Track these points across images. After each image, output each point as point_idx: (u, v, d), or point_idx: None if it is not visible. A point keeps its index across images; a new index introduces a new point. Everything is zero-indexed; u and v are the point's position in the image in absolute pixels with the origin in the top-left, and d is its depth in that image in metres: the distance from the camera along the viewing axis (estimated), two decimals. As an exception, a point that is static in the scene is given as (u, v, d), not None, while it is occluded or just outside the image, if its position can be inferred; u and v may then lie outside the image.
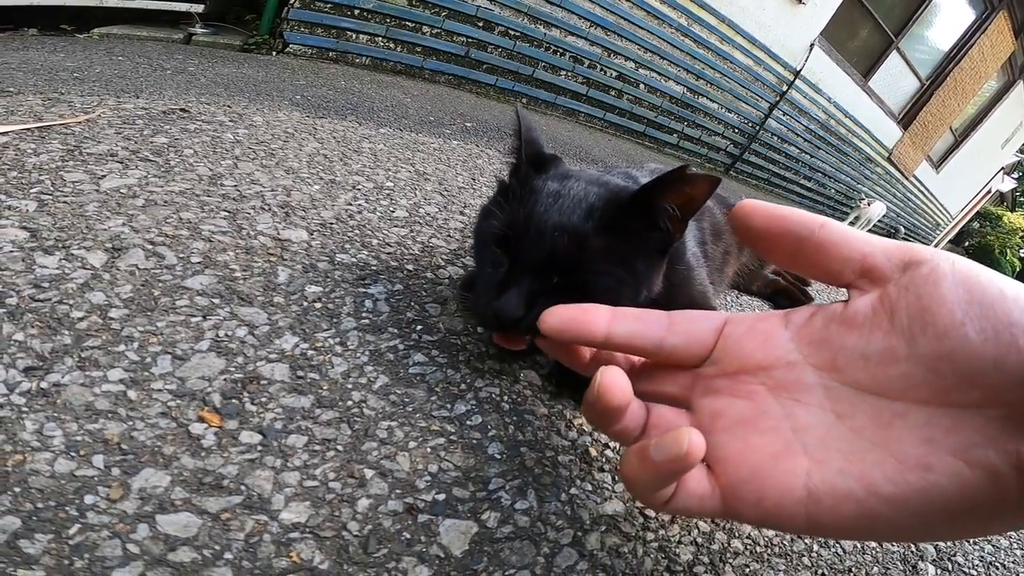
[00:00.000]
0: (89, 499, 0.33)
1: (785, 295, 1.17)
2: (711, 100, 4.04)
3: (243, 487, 0.37)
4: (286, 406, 0.44)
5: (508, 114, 2.50)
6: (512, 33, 3.09)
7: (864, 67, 5.12)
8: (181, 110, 1.03)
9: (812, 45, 4.34)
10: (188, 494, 0.36)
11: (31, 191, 0.60)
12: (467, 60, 3.01)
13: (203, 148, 0.85)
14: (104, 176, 0.67)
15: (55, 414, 0.37)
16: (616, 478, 0.50)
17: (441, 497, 0.41)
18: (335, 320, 0.54)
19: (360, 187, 0.88)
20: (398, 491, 0.41)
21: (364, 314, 0.57)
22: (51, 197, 0.60)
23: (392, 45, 2.80)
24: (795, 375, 0.26)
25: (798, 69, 4.40)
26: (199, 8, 2.69)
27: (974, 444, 0.22)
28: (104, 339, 0.44)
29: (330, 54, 2.67)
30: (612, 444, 0.53)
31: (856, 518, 0.23)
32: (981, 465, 0.22)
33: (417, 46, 2.87)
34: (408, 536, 0.38)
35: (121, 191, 0.65)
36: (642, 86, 3.63)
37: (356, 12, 2.71)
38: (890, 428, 0.23)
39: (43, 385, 0.39)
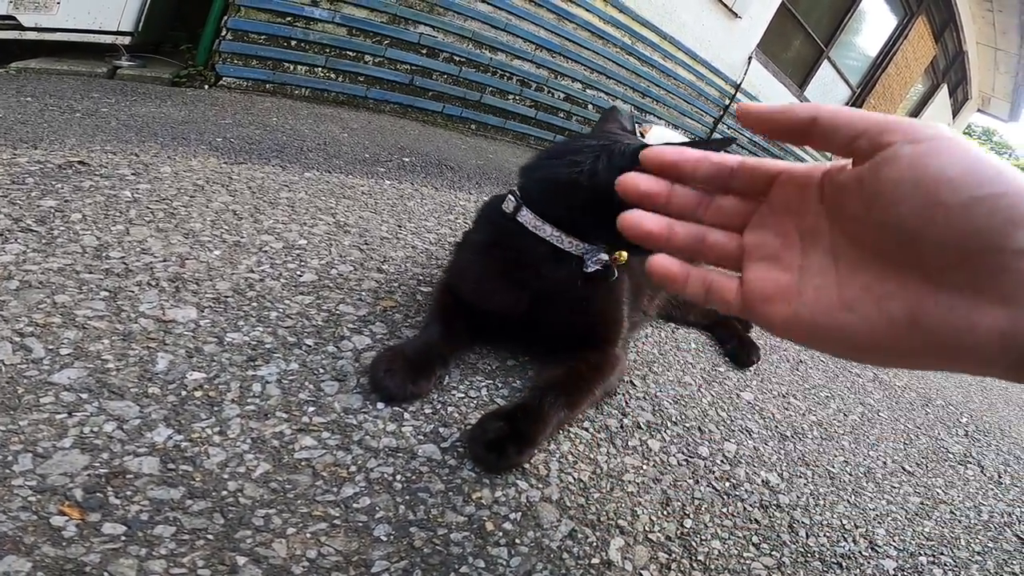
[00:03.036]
0: None
1: (724, 325, 1.21)
2: (658, 117, 4.19)
3: (106, 574, 0.39)
4: (153, 498, 0.45)
5: (452, 143, 2.54)
6: (457, 59, 3.15)
7: (799, 77, 5.44)
8: (80, 163, 1.02)
9: (750, 58, 4.58)
10: None
11: None
12: (412, 88, 3.05)
13: (94, 211, 0.84)
14: (-30, 256, 0.66)
15: None
16: (512, 551, 0.51)
17: None
18: (216, 408, 0.55)
19: (267, 248, 0.88)
20: None
21: (250, 399, 0.57)
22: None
23: (333, 75, 2.82)
24: (816, 222, 0.35)
25: (738, 82, 4.63)
26: (125, 40, 2.65)
27: (889, 296, 0.30)
28: (-50, 450, 0.43)
29: (267, 86, 2.66)
30: (512, 516, 0.55)
31: (808, 338, 0.34)
32: (887, 314, 0.30)
33: (359, 75, 2.90)
34: None
35: (-7, 273, 0.64)
36: (590, 106, 3.73)
37: (293, 43, 2.72)
38: (853, 273, 0.32)
39: None
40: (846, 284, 0.33)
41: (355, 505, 0.50)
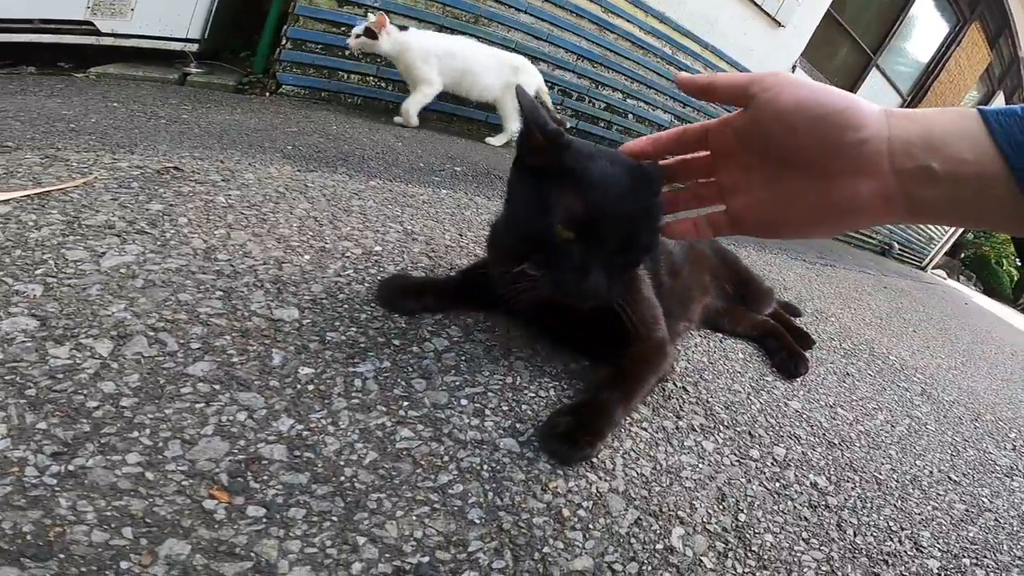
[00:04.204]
0: (124, 565, 0.40)
1: (773, 336, 1.23)
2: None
3: (253, 554, 0.44)
4: (285, 483, 0.50)
5: (498, 153, 2.60)
6: (501, 68, 3.21)
7: (846, 85, 5.32)
8: (175, 168, 1.10)
9: (794, 66, 4.52)
10: (207, 560, 0.42)
11: (36, 273, 0.66)
12: (457, 97, 3.12)
13: (196, 215, 0.91)
14: (103, 253, 0.74)
15: (84, 493, 0.43)
16: (587, 535, 0.56)
17: (425, 560, 0.48)
18: (327, 401, 0.60)
19: (349, 254, 0.94)
20: (387, 555, 0.47)
21: (354, 393, 0.63)
22: (55, 280, 0.66)
23: (383, 84, 2.91)
24: (744, 156, 0.51)
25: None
26: (193, 47, 2.80)
27: (802, 191, 0.46)
28: (119, 427, 0.49)
29: (322, 94, 2.77)
30: (584, 505, 0.60)
31: (774, 233, 0.51)
32: (805, 202, 0.46)
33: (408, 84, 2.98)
34: None
35: (121, 270, 0.71)
36: (630, 116, 3.75)
37: (347, 52, 2.82)
38: (776, 181, 0.48)
39: (70, 468, 0.45)
40: (775, 190, 0.48)
41: (450, 491, 0.55)
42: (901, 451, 1.00)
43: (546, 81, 3.36)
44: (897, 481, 0.89)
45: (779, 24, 4.16)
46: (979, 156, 0.38)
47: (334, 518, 0.48)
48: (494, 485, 0.57)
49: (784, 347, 1.20)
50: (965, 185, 0.38)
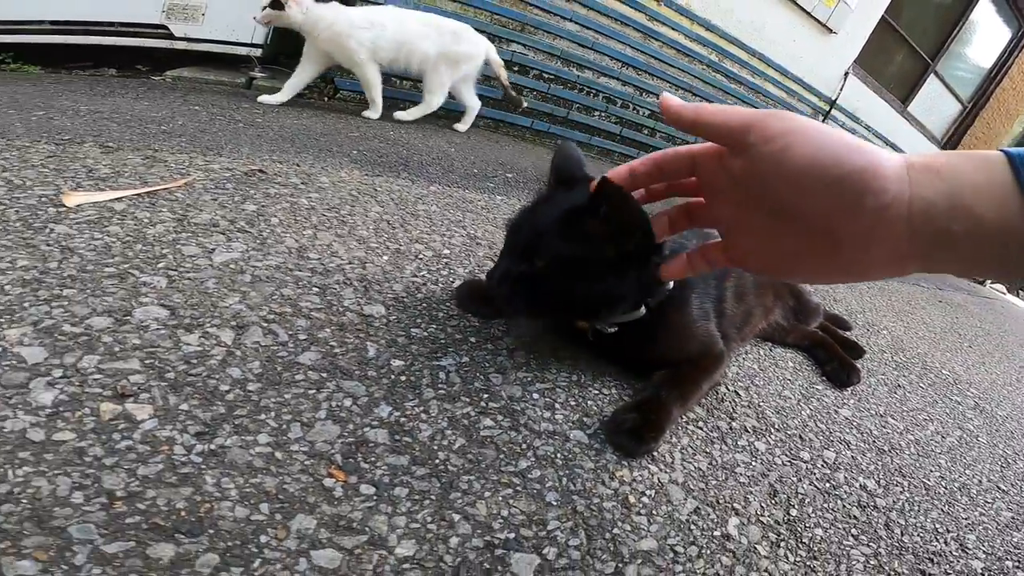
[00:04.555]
0: (263, 538, 0.45)
1: (823, 347, 1.24)
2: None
3: (367, 528, 0.49)
4: (390, 464, 0.56)
5: (544, 160, 2.64)
6: (546, 76, 3.26)
7: (902, 92, 5.16)
8: (259, 171, 1.18)
9: (847, 73, 4.42)
10: (330, 534, 0.47)
11: (159, 266, 0.74)
12: (504, 104, 3.18)
13: (285, 216, 0.99)
14: (213, 250, 0.81)
15: (226, 471, 0.49)
16: (650, 520, 0.61)
17: (511, 536, 0.53)
18: (417, 391, 0.66)
19: (421, 256, 1.01)
20: (479, 531, 0.52)
21: (440, 385, 0.68)
22: (176, 273, 0.74)
23: (432, 89, 2.99)
24: (740, 196, 0.44)
25: (834, 99, 4.47)
26: (257, 52, 2.94)
27: (811, 250, 0.42)
28: (249, 409, 0.56)
29: (376, 99, 2.87)
30: (648, 493, 0.64)
31: (776, 273, 0.46)
32: (817, 257, 0.42)
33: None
34: (488, 566, 0.50)
35: (230, 266, 0.78)
36: (675, 124, 3.75)
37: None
38: (780, 234, 0.43)
39: (211, 447, 0.51)
40: (775, 243, 0.43)
41: (529, 476, 0.60)
42: (951, 460, 1.01)
43: (591, 89, 3.40)
44: (945, 488, 0.91)
45: (830, 31, 4.08)
46: (1004, 213, 0.34)
47: (432, 497, 0.54)
48: (567, 472, 0.62)
49: (835, 357, 1.21)
50: (987, 245, 0.35)
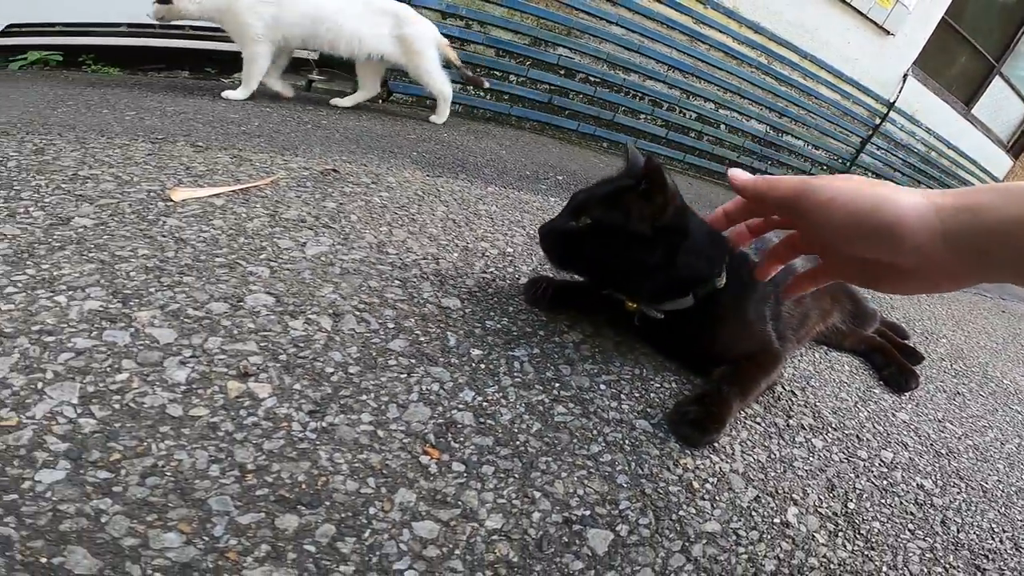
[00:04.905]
0: (372, 510, 0.50)
1: (881, 352, 1.24)
2: (796, 137, 4.04)
3: (460, 503, 0.53)
4: (477, 444, 0.60)
5: (591, 162, 2.67)
6: (592, 79, 3.28)
7: (965, 94, 4.95)
8: (333, 171, 1.26)
9: (905, 76, 4.27)
10: (428, 507, 0.52)
11: (260, 257, 0.81)
12: (550, 106, 3.23)
13: (362, 214, 1.05)
14: (305, 243, 0.88)
15: (336, 447, 0.54)
16: (713, 505, 0.64)
17: (587, 513, 0.57)
18: (496, 378, 0.70)
19: (488, 254, 1.05)
20: (558, 508, 0.56)
21: (515, 374, 0.72)
22: (276, 264, 0.80)
23: (481, 93, 3.06)
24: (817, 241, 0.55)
25: (892, 101, 4.32)
26: (315, 55, 3.07)
27: (877, 278, 0.50)
28: (351, 390, 0.61)
29: (427, 102, 2.95)
30: (710, 480, 0.67)
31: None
32: (881, 284, 0.51)
33: (505, 94, 3.12)
34: (567, 540, 0.54)
35: (321, 259, 0.85)
36: (723, 126, 3.71)
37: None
38: (856, 267, 0.51)
39: (323, 424, 0.56)
40: (855, 270, 0.52)
41: (601, 459, 0.64)
42: (1009, 466, 1.00)
43: (636, 92, 3.40)
44: (1003, 491, 0.90)
45: (887, 32, 3.96)
46: None
47: (515, 475, 0.58)
48: (635, 457, 0.66)
49: (893, 362, 1.20)
50: None
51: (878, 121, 4.35)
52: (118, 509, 0.44)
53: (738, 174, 0.55)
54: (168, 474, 0.47)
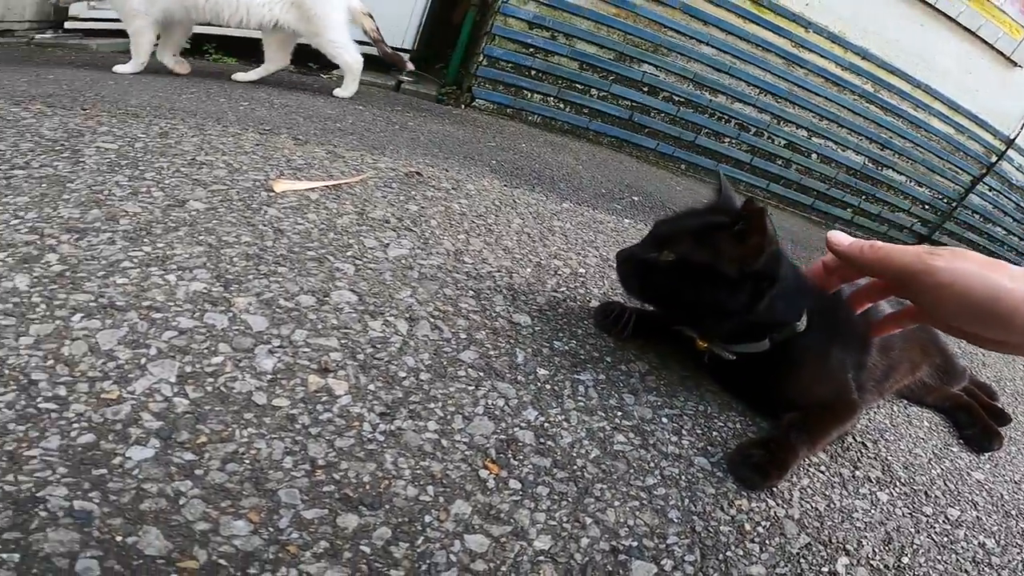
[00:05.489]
0: (428, 518, 0.51)
1: (966, 410, 1.16)
2: (898, 172, 3.78)
3: (512, 520, 0.54)
4: (534, 464, 0.61)
5: (669, 184, 2.62)
6: (676, 99, 3.23)
7: None
8: (417, 173, 1.32)
9: (1033, 113, 3.89)
10: (481, 521, 0.53)
11: (347, 254, 0.86)
12: (630, 123, 3.20)
13: (442, 219, 1.09)
14: (388, 245, 0.92)
15: (400, 452, 0.57)
16: (762, 548, 0.63)
17: (635, 544, 0.57)
18: (559, 400, 0.71)
19: (560, 272, 1.06)
20: (607, 536, 0.57)
21: (579, 398, 0.73)
22: (361, 262, 0.85)
23: (562, 105, 3.08)
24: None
25: (1012, 137, 3.96)
26: (405, 57, 3.21)
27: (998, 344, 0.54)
28: (420, 397, 0.64)
29: (508, 110, 3.02)
30: (763, 524, 0.66)
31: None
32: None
33: (584, 107, 3.13)
34: (611, 569, 0.54)
35: (402, 261, 0.89)
36: (814, 155, 3.53)
37: (532, 72, 3.04)
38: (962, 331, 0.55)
39: (391, 428, 0.59)
40: (961, 327, 0.54)
41: (655, 492, 0.64)
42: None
43: (723, 114, 3.31)
44: None
45: (1015, 64, 3.63)
46: None
47: (569, 499, 0.58)
48: (689, 494, 0.66)
49: (977, 422, 1.14)
50: None
51: (994, 159, 3.99)
52: (196, 492, 0.46)
53: (840, 238, 0.57)
54: (247, 462, 0.50)
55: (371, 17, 2.29)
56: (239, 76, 2.23)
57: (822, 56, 3.33)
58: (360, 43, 2.64)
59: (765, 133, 3.41)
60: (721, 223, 0.75)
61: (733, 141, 3.38)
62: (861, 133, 3.57)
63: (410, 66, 2.56)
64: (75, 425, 0.49)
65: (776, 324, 0.78)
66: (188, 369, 0.58)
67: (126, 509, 0.44)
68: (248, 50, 2.93)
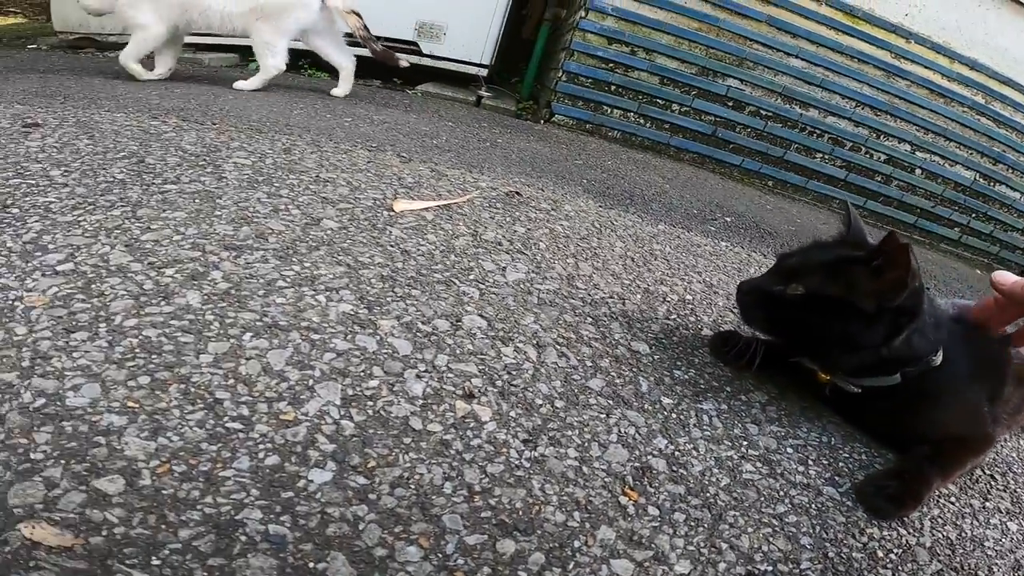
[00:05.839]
0: (576, 543, 0.54)
1: None
2: (1012, 188, 3.51)
3: (653, 545, 0.56)
4: (669, 491, 0.63)
5: (758, 203, 2.56)
6: (763, 113, 3.15)
7: None
8: (517, 193, 1.37)
9: None
10: (624, 546, 0.55)
11: (470, 277, 0.91)
12: (714, 139, 3.15)
13: (548, 242, 1.13)
14: (505, 268, 0.97)
15: (546, 478, 0.59)
16: (895, 574, 0.63)
17: (769, 569, 0.58)
18: (686, 429, 0.72)
19: (668, 299, 1.07)
20: (742, 561, 0.58)
21: (705, 427, 0.74)
22: (483, 286, 0.90)
23: (642, 121, 3.08)
24: None
25: None
26: (484, 72, 3.33)
27: None
28: (557, 425, 0.66)
29: (587, 126, 3.05)
30: (894, 551, 0.66)
31: None
32: None
33: (665, 123, 3.11)
34: None
35: (520, 286, 0.93)
36: (918, 171, 3.33)
37: (612, 88, 3.06)
38: None
39: (535, 454, 0.62)
40: None
41: (787, 519, 0.65)
42: None
43: (815, 129, 3.19)
44: None
45: None
46: None
47: (704, 525, 0.60)
48: (820, 521, 0.66)
49: None
50: None
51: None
52: (372, 517, 0.49)
53: (1004, 277, 0.56)
54: (412, 487, 0.53)
55: (357, 15, 2.30)
56: (240, 85, 2.23)
57: (926, 67, 3.16)
58: (452, 60, 2.77)
59: (863, 148, 3.25)
60: (856, 257, 0.75)
61: (826, 156, 3.25)
62: (971, 147, 3.35)
63: (403, 63, 2.52)
64: (261, 446, 0.53)
65: (911, 360, 0.76)
66: (350, 392, 0.62)
67: (314, 534, 0.46)
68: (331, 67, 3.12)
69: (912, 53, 3.13)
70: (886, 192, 3.36)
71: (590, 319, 0.90)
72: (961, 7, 3.12)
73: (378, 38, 2.53)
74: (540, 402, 0.69)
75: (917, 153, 3.32)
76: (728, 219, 1.92)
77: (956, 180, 3.41)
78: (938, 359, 0.77)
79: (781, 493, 0.68)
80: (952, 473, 0.79)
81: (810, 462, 0.76)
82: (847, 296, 0.73)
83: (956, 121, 3.26)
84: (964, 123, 3.28)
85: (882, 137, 3.25)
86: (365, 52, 2.44)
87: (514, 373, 0.73)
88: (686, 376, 0.83)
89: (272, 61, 2.21)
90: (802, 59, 3.10)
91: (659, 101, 3.11)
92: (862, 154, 3.27)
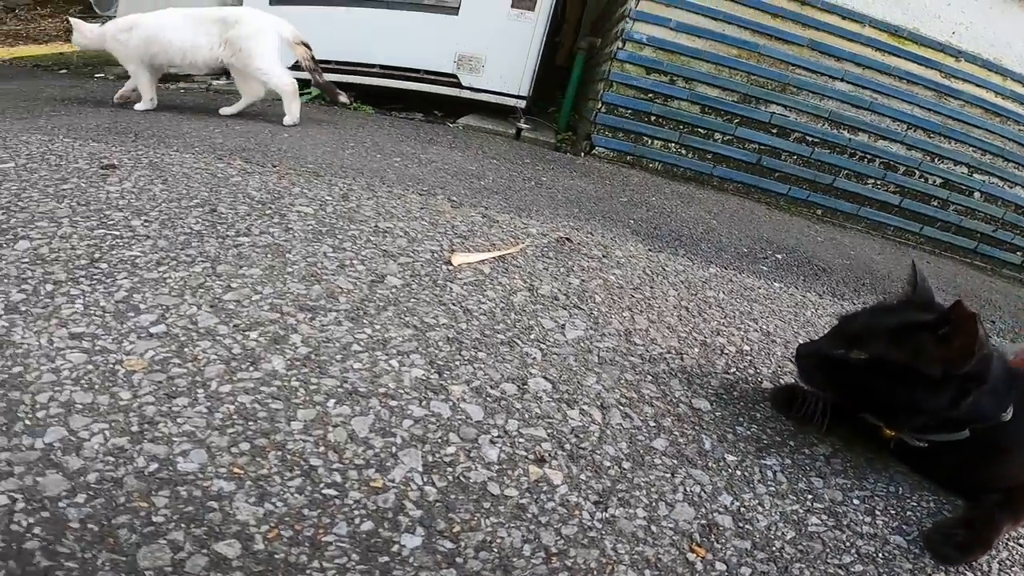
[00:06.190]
0: None
1: None
2: (1076, 211, 3.39)
3: None
4: (735, 547, 0.66)
5: (808, 235, 2.55)
6: (810, 139, 3.14)
7: None
8: (567, 239, 1.43)
9: None
10: None
11: (531, 337, 0.96)
12: (759, 168, 3.15)
13: (603, 294, 1.18)
14: (563, 325, 1.02)
15: (618, 538, 0.63)
16: None
17: None
18: (751, 485, 0.75)
19: (726, 351, 1.10)
20: None
21: (769, 483, 0.77)
22: (544, 346, 0.95)
23: (683, 151, 3.12)
24: None
25: None
26: (522, 104, 3.44)
27: None
28: (625, 486, 0.70)
29: (628, 158, 3.10)
30: None
31: None
32: None
33: (708, 152, 3.14)
34: None
35: (580, 344, 0.97)
36: (977, 194, 3.25)
37: (652, 118, 3.11)
38: None
39: (606, 515, 0.66)
40: None
41: (852, 570, 0.68)
42: None
43: (865, 154, 3.16)
44: None
45: None
46: None
47: (771, 579, 0.62)
48: (887, 570, 0.69)
49: None
50: None
51: None
52: None
53: None
54: (494, 550, 0.57)
55: (306, 46, 2.46)
56: (225, 110, 2.47)
57: (978, 85, 3.10)
58: (491, 92, 2.83)
59: (916, 172, 3.20)
60: (924, 322, 0.77)
61: (878, 182, 3.20)
62: (1026, 166, 3.26)
63: (343, 99, 2.65)
64: (356, 512, 0.58)
65: (979, 419, 0.78)
66: (430, 458, 0.67)
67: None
68: (380, 99, 3.29)
69: (963, 72, 3.08)
70: (943, 217, 3.27)
71: (650, 376, 0.94)
72: (1008, 22, 3.07)
73: (417, 71, 2.62)
74: (608, 464, 0.73)
75: (975, 175, 3.23)
76: (779, 256, 1.93)
77: (1017, 202, 3.30)
78: (1008, 415, 0.78)
79: (847, 544, 0.71)
80: (1023, 517, 0.81)
81: (877, 512, 0.78)
82: (913, 362, 0.75)
83: (1014, 141, 3.18)
84: (1021, 142, 3.20)
85: (936, 160, 3.18)
86: (420, 87, 2.55)
87: (581, 436, 0.77)
88: (748, 432, 0.86)
89: (254, 87, 2.44)
90: (848, 82, 3.09)
91: (700, 130, 3.14)
92: (916, 178, 3.21)
